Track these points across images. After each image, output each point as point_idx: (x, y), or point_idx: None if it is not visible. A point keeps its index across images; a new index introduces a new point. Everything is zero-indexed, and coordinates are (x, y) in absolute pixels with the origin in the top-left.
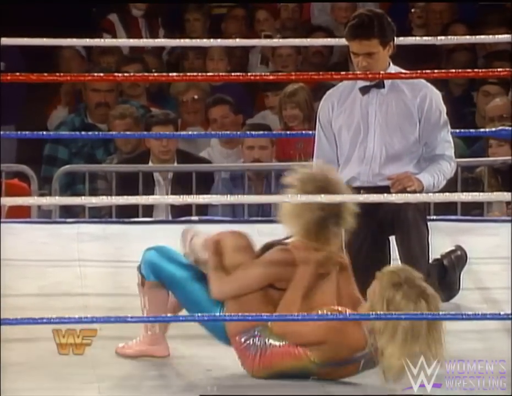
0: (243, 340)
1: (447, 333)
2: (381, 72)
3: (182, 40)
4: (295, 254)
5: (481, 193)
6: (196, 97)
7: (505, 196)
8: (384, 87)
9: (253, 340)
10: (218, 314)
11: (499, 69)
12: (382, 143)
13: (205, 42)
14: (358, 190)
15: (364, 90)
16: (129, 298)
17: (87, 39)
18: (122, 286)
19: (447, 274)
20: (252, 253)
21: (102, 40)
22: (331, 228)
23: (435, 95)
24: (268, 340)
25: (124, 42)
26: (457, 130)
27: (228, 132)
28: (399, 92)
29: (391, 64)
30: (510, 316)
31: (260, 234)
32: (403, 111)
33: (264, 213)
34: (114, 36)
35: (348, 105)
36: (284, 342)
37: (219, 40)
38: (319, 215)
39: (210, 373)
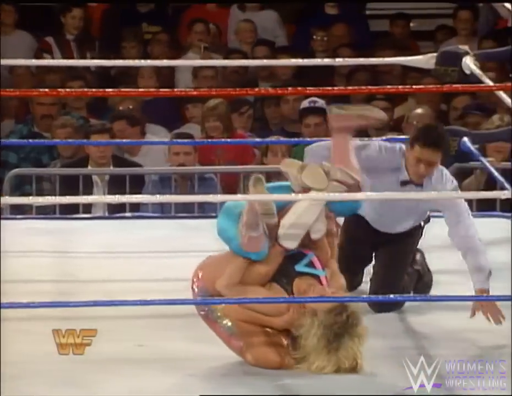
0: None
1: None
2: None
3: (116, 61)
4: None
5: (480, 192)
6: (131, 107)
7: (504, 193)
8: (422, 186)
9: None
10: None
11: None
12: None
13: (135, 62)
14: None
15: (404, 183)
16: (75, 284)
17: (33, 60)
18: (67, 273)
19: (422, 277)
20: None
21: (47, 61)
22: None
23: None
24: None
25: (66, 62)
26: None
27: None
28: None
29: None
30: (510, 297)
31: (184, 228)
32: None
33: (189, 210)
34: (52, 56)
35: (382, 180)
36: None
37: (149, 61)
38: None
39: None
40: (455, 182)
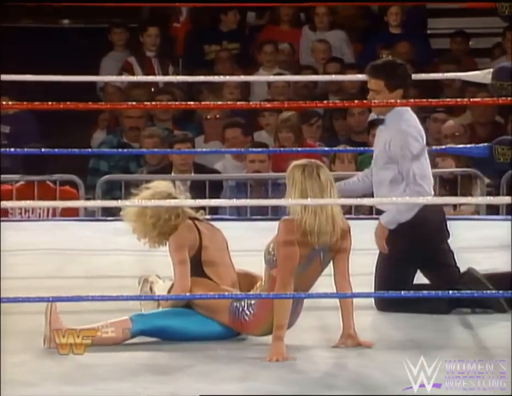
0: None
1: None
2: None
3: (199, 77)
4: None
5: (482, 197)
6: (217, 116)
7: (504, 199)
8: (383, 123)
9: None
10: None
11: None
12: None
13: (217, 78)
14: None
15: (370, 123)
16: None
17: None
18: (149, 270)
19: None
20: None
21: (131, 77)
22: None
23: (397, 135)
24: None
25: (148, 78)
26: None
27: (235, 149)
28: (386, 131)
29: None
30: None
31: (260, 229)
32: (381, 148)
33: (263, 213)
34: (132, 74)
35: None
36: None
37: (227, 76)
38: None
39: None
40: (415, 126)
